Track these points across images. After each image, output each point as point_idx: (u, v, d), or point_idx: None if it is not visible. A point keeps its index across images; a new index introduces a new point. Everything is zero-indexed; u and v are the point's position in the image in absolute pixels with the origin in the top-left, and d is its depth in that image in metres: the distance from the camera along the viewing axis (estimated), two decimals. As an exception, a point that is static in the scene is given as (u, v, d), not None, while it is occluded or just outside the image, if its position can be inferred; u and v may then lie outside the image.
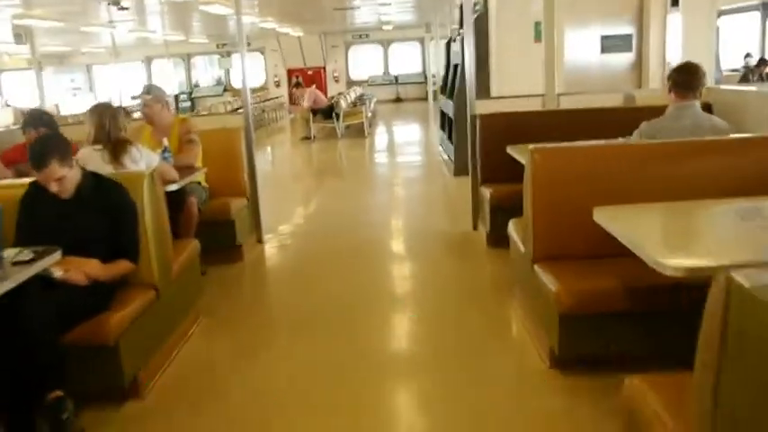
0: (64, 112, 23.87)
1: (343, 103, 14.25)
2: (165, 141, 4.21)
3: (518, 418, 2.80)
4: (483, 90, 8.19)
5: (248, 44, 23.55)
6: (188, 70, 26.73)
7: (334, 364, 3.35)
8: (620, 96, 5.54)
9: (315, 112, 13.81)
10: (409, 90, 25.07)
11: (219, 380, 3.30)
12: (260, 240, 5.64)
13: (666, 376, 1.93)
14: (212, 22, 19.07)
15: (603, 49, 7.56)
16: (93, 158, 3.64)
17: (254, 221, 5.59)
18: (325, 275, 4.85)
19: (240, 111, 5.86)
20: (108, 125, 3.77)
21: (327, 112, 13.92)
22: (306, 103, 13.70)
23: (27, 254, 2.46)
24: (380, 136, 14.83)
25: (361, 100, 17.87)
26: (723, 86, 6.15)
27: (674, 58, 7.45)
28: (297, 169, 11.26)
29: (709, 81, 7.91)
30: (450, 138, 8.90)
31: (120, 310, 2.91)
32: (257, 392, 3.10)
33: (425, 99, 23.09)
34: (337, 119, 13.81)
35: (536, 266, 3.20)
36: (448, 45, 10.30)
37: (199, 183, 4.88)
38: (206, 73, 27.60)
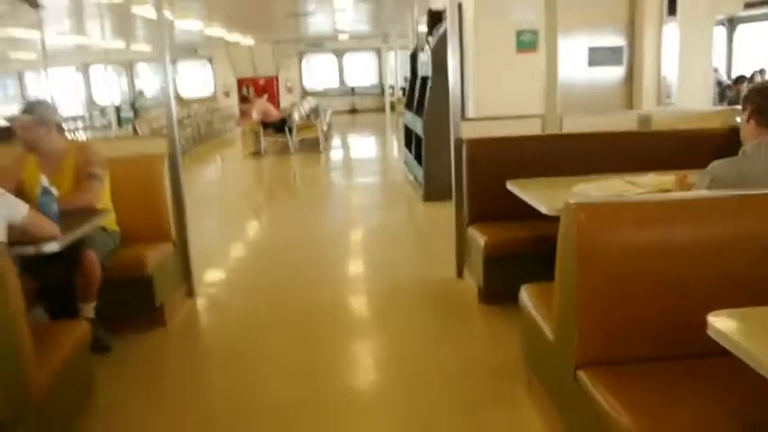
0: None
1: (296, 116, 13.12)
2: (44, 180, 3.03)
3: None
4: (456, 106, 7.22)
5: (195, 51, 22.36)
6: (130, 78, 25.15)
7: None
8: (634, 117, 4.61)
9: (266, 125, 12.64)
10: (365, 101, 24.09)
11: None
12: (190, 294, 4.49)
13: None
14: (153, 27, 17.73)
15: (591, 62, 6.67)
16: None
17: (184, 271, 4.43)
18: (272, 349, 3.73)
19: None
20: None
21: (279, 126, 12.77)
22: (255, 116, 12.52)
23: None
24: (337, 151, 13.75)
25: (315, 112, 16.75)
26: None
27: (671, 72, 6.63)
28: (243, 191, 9.97)
29: (707, 100, 7.20)
30: (417, 158, 7.88)
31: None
32: None
33: (382, 110, 22.12)
34: (290, 132, 12.68)
35: (582, 374, 2.17)
36: (414, 55, 9.30)
37: (104, 229, 3.73)
38: (153, 81, 26.02)
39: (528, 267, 3.17)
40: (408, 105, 9.10)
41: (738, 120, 2.77)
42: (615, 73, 6.78)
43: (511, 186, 3.65)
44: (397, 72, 19.56)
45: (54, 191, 3.08)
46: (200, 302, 4.48)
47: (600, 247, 2.19)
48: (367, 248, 5.95)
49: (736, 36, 13.24)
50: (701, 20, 6.45)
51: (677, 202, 2.37)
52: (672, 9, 6.46)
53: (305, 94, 23.52)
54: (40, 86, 24.49)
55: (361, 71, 24.82)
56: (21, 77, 25.47)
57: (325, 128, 13.77)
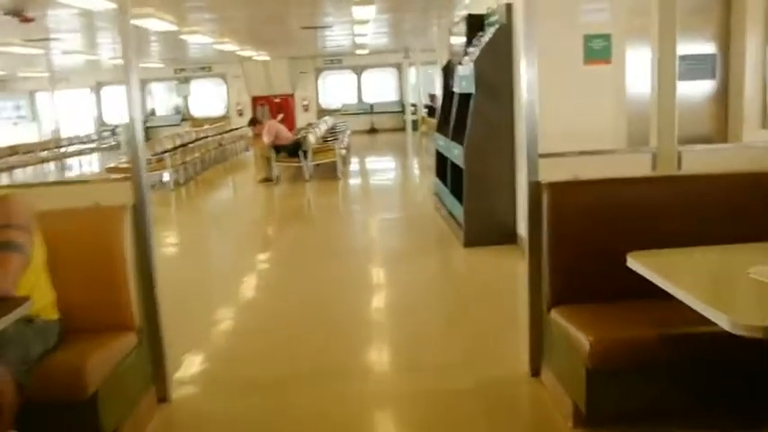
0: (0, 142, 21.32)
1: (311, 139, 11.93)
2: None
3: None
4: (504, 135, 5.98)
5: (209, 69, 21.40)
6: (143, 98, 24.19)
7: None
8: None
9: (278, 148, 11.45)
10: (385, 120, 22.91)
11: None
12: (164, 398, 3.25)
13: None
14: (166, 43, 16.71)
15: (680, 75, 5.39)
16: None
17: (154, 369, 3.19)
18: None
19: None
20: None
21: (293, 149, 11.57)
22: (266, 139, 11.34)
23: None
24: (357, 178, 12.47)
25: (333, 133, 15.58)
26: None
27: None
28: (247, 230, 8.45)
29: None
30: (455, 193, 6.63)
31: None
32: None
33: (403, 130, 20.92)
34: (305, 157, 11.47)
35: None
36: (447, 69, 8.08)
37: (30, 320, 2.53)
38: (168, 100, 25.04)
39: (657, 383, 2.56)
40: (441, 128, 7.87)
41: None
42: (703, 88, 5.51)
43: (637, 265, 2.37)
44: (419, 89, 18.39)
45: None
46: (178, 411, 3.23)
47: None
48: (398, 325, 4.47)
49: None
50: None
51: None
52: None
53: (322, 112, 22.43)
54: (50, 106, 23.69)
55: (381, 88, 23.70)
56: (32, 97, 24.72)
57: (343, 151, 12.56)
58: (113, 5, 3.15)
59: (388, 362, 3.87)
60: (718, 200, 3.03)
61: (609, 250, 2.67)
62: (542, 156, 3.12)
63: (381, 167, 14.47)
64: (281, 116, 23.62)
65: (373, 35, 15.48)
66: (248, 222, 8.94)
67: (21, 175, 13.98)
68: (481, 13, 6.67)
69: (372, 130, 22.79)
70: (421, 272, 5.66)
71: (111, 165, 12.64)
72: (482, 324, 4.24)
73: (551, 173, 3.16)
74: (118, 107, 19.97)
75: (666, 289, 2.11)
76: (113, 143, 21.54)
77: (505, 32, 5.85)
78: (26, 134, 21.86)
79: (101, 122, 23.75)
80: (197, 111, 24.09)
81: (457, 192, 6.59)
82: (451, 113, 7.08)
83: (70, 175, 15.73)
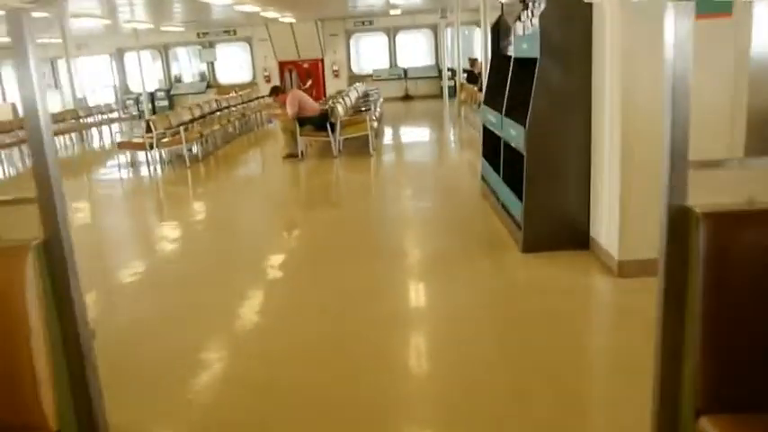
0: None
1: (340, 110, 10.72)
2: None
3: None
4: (577, 112, 4.72)
5: (233, 32, 20.20)
6: (166, 64, 23.20)
7: None
8: None
9: (302, 121, 10.29)
10: (420, 86, 21.52)
11: None
12: None
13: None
14: (190, 6, 15.57)
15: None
16: None
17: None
18: None
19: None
20: None
21: (319, 122, 10.40)
22: (289, 110, 10.16)
23: None
24: (390, 154, 11.20)
25: (365, 101, 14.34)
26: None
27: None
28: (261, 220, 7.26)
29: None
30: (510, 181, 5.42)
31: None
32: None
33: (439, 96, 19.59)
34: (332, 130, 10.30)
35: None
36: (497, 28, 6.78)
37: None
38: (194, 66, 23.92)
39: None
40: (490, 99, 6.61)
41: None
42: None
43: None
44: (458, 52, 16.97)
45: None
46: None
47: None
48: (436, 393, 3.21)
49: None
50: None
51: None
52: None
53: (353, 78, 21.13)
54: (69, 73, 22.79)
55: (416, 52, 22.24)
56: (53, 64, 23.86)
57: (375, 124, 11.33)
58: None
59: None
60: None
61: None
62: (698, 165, 1.91)
63: (417, 140, 13.19)
64: (309, 82, 22.50)
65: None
66: (262, 210, 7.80)
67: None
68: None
69: (407, 97, 21.45)
70: (466, 290, 4.43)
71: (123, 139, 11.65)
72: (560, 394, 3.05)
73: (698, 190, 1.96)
74: (140, 73, 18.94)
75: None
76: (135, 113, 20.58)
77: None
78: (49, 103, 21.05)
79: (124, 90, 22.79)
80: (223, 77, 22.98)
81: (512, 180, 5.37)
82: (506, 83, 5.81)
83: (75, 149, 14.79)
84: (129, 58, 22.67)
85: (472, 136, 11.79)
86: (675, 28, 1.85)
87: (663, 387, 2.03)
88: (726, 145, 4.00)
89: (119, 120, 18.24)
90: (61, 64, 23.22)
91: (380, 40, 22.12)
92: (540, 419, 2.77)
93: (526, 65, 5.17)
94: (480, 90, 10.30)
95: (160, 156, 11.26)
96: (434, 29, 21.24)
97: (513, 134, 5.19)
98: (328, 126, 10.31)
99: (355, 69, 22.14)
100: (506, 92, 5.73)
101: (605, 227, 4.50)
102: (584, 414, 2.91)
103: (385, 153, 11.05)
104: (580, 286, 4.27)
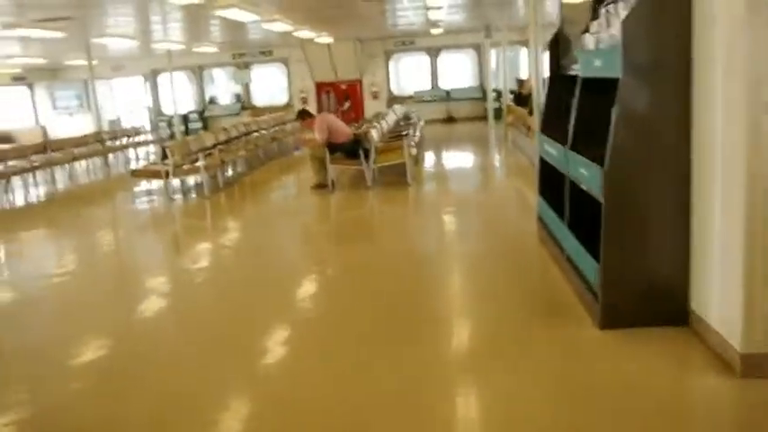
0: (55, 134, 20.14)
1: (374, 135, 9.72)
2: None
3: None
4: (672, 148, 3.59)
5: (269, 53, 19.48)
6: (200, 85, 22.62)
7: None
8: None
9: (333, 147, 9.32)
10: (463, 108, 20.42)
11: None
12: None
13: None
14: (224, 27, 14.87)
15: None
16: None
17: None
18: None
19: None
20: None
21: (351, 148, 9.42)
22: (318, 136, 9.21)
23: None
24: (431, 184, 10.06)
25: (407, 121, 13.33)
26: None
27: None
28: (276, 266, 6.07)
29: None
30: (579, 230, 4.30)
31: None
32: None
33: (483, 119, 18.50)
34: (366, 157, 9.30)
35: None
36: (556, 42, 5.70)
37: None
38: (231, 88, 23.24)
39: None
40: (549, 127, 5.51)
41: None
42: None
43: None
44: (504, 73, 15.88)
45: None
46: None
47: None
48: None
49: None
50: None
51: None
52: None
53: (392, 100, 20.19)
54: (106, 96, 22.44)
55: (459, 73, 21.21)
56: (86, 86, 23.54)
57: (414, 150, 10.29)
58: None
59: None
60: None
61: None
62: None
63: (461, 167, 12.04)
64: (347, 104, 21.62)
65: (449, 9, 13.10)
66: (280, 252, 6.74)
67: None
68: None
69: (449, 119, 20.37)
70: (528, 390, 3.25)
71: (139, 167, 10.86)
72: None
73: None
74: (173, 95, 18.32)
75: None
76: (164, 135, 19.98)
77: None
78: (81, 125, 20.64)
79: (157, 112, 22.28)
80: (259, 99, 22.29)
81: (581, 229, 4.26)
82: (569, 108, 4.71)
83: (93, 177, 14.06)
84: (164, 79, 22.16)
85: (521, 162, 10.66)
86: None
87: None
88: None
89: (147, 143, 17.61)
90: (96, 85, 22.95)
91: (421, 60, 21.17)
92: None
93: (598, 86, 4.08)
94: (531, 113, 9.18)
95: (182, 183, 10.44)
96: (477, 48, 20.20)
97: (585, 174, 4.07)
98: (361, 153, 9.32)
99: (395, 90, 21.22)
100: (571, 119, 4.62)
101: (716, 301, 3.35)
102: None
103: (425, 182, 9.95)
104: (688, 391, 3.12)
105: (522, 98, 13.05)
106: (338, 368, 3.65)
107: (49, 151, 12.75)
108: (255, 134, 13.49)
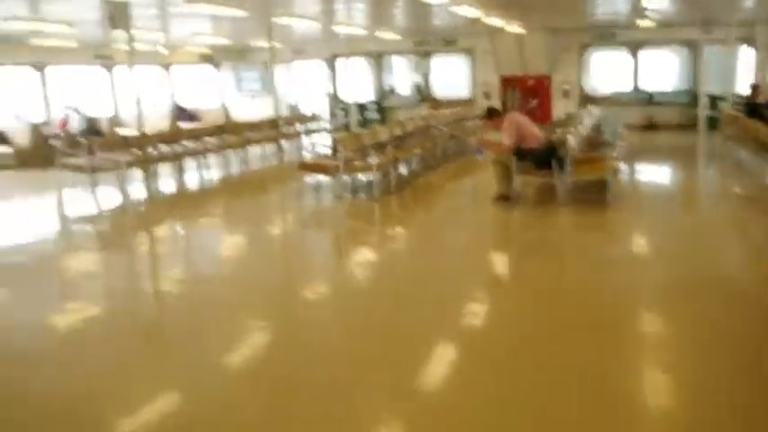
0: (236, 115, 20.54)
1: (572, 142, 8.16)
2: None
3: None
4: None
5: (453, 43, 18.32)
6: (378, 73, 21.97)
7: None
8: None
9: (522, 154, 7.92)
10: (666, 113, 17.84)
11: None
12: None
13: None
14: (409, 11, 13.97)
15: None
16: None
17: None
18: None
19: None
20: None
21: (543, 156, 7.95)
22: (506, 139, 7.85)
23: None
24: (634, 206, 8.23)
25: (610, 130, 11.50)
26: None
27: None
28: (439, 303, 4.93)
29: None
30: None
31: None
32: None
33: (691, 127, 15.93)
34: (560, 167, 7.79)
35: None
36: None
37: None
38: (411, 77, 22.43)
39: None
40: None
41: None
42: None
43: None
44: (730, 76, 13.47)
45: None
46: None
47: None
48: None
49: None
50: None
51: None
52: None
53: (585, 100, 18.15)
54: (284, 79, 22.51)
55: (664, 72, 18.67)
56: (268, 69, 23.80)
57: (621, 164, 8.61)
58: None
59: None
60: None
61: None
62: None
63: (669, 188, 10.07)
64: (534, 102, 19.81)
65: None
66: (452, 272, 5.55)
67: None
68: None
69: (650, 126, 17.78)
70: None
71: (307, 159, 10.15)
72: None
73: None
74: (349, 82, 17.76)
75: None
76: (341, 123, 19.49)
77: None
78: (262, 108, 20.81)
79: (335, 99, 21.91)
80: (439, 90, 21.20)
81: None
82: None
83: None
84: (342, 65, 21.68)
85: (749, 187, 8.61)
86: None
87: None
88: None
89: (324, 130, 17.18)
90: (277, 69, 23.01)
91: (620, 56, 18.88)
92: None
93: None
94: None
95: (352, 181, 9.44)
96: (692, 45, 17.52)
97: None
98: (554, 162, 7.84)
99: (587, 89, 19.15)
100: None
101: None
102: None
103: (627, 204, 8.22)
104: None
105: (756, 107, 10.77)
106: None
107: (224, 134, 12.58)
108: (434, 130, 12.29)
